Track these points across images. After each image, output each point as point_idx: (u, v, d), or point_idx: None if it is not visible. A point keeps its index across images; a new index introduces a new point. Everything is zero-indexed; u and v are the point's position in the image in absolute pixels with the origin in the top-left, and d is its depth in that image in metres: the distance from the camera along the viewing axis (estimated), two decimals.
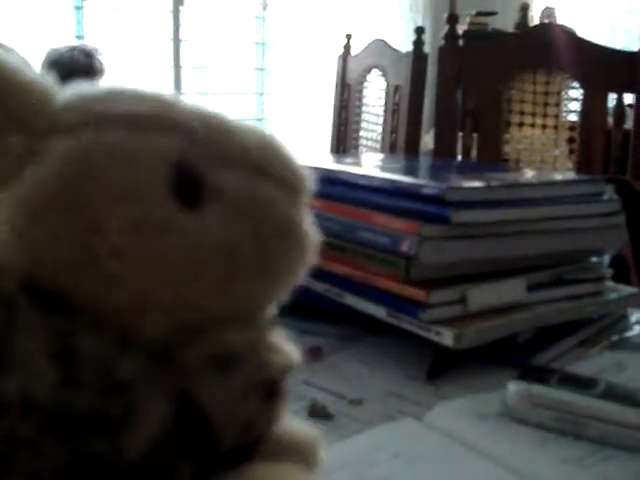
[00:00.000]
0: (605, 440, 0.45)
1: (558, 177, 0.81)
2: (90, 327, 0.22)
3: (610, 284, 0.69)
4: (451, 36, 1.44)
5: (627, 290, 0.70)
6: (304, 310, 0.55)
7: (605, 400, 0.46)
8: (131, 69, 3.21)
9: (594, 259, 0.68)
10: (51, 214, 0.21)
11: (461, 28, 3.59)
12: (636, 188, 1.28)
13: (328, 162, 0.76)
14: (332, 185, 0.66)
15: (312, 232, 0.25)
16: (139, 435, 0.22)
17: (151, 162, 0.22)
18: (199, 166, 0.23)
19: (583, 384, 0.48)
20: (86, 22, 3.17)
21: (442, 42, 1.49)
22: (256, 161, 0.24)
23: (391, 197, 0.61)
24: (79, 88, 0.24)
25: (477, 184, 0.58)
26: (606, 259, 0.71)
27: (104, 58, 2.60)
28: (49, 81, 0.24)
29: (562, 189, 0.64)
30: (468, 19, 3.64)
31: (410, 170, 0.83)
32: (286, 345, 0.25)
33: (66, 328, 0.21)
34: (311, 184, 0.25)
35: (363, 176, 0.66)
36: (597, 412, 0.46)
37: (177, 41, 3.45)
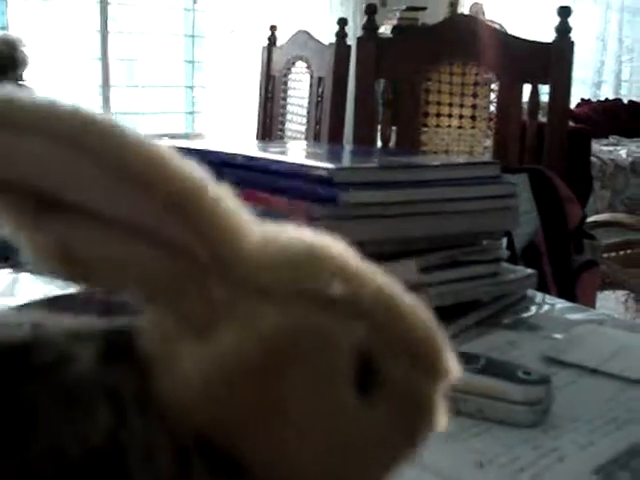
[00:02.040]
0: (483, 415, 0.46)
1: (453, 160, 0.81)
2: None
3: (507, 265, 0.70)
4: (369, 27, 1.45)
5: (524, 271, 0.71)
6: None
7: (484, 375, 0.47)
8: (58, 61, 3.14)
9: (490, 241, 0.69)
10: (246, 384, 0.22)
11: (392, 23, 3.63)
12: (549, 177, 1.30)
13: (234, 147, 0.75)
14: (232, 169, 0.65)
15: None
16: None
17: (346, 352, 0.23)
18: (377, 354, 0.23)
19: (463, 360, 0.48)
20: (11, 13, 3.09)
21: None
22: (422, 354, 0.24)
23: (286, 179, 0.60)
24: (277, 237, 0.24)
25: (367, 165, 0.58)
26: (503, 241, 0.71)
27: (28, 49, 2.54)
28: (251, 220, 0.24)
29: (456, 171, 0.65)
30: (398, 14, 3.67)
31: (318, 154, 0.82)
32: None
33: None
34: (456, 370, 0.26)
35: (259, 159, 0.65)
36: (475, 387, 0.46)
37: (104, 33, 3.39)
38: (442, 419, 0.25)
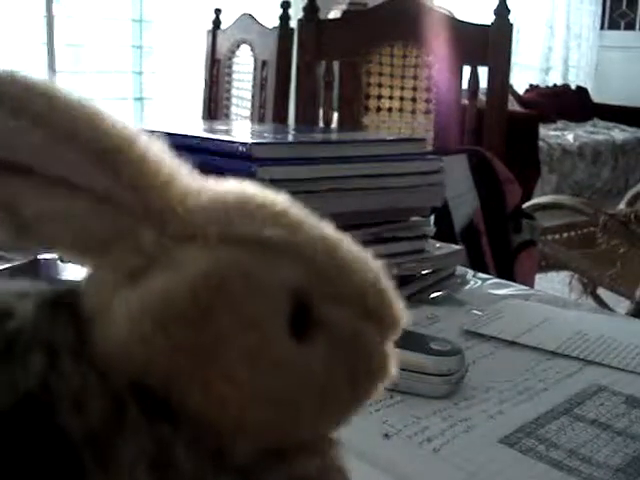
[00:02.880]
0: (395, 387, 0.46)
1: (379, 136, 0.81)
2: (190, 441, 0.22)
3: (434, 242, 0.70)
4: (310, 9, 1.44)
5: (450, 247, 0.71)
6: None
7: (396, 347, 0.46)
8: (2, 46, 3.07)
9: (417, 218, 0.69)
10: (176, 328, 0.22)
11: (341, 8, 3.61)
12: (488, 158, 1.31)
13: (171, 127, 0.74)
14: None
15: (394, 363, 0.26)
16: None
17: (277, 294, 0.22)
18: (313, 298, 0.23)
19: None
20: None
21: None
22: (367, 305, 0.24)
23: (207, 156, 0.59)
24: (212, 188, 0.24)
25: (287, 140, 0.58)
26: (431, 218, 0.71)
27: None
28: (184, 171, 0.24)
29: (380, 147, 0.65)
30: None
31: (258, 132, 0.81)
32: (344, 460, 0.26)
33: (169, 438, 0.21)
34: (406, 321, 0.25)
35: (181, 137, 0.64)
36: None
37: (50, 17, 3.31)
38: (392, 369, 0.25)
